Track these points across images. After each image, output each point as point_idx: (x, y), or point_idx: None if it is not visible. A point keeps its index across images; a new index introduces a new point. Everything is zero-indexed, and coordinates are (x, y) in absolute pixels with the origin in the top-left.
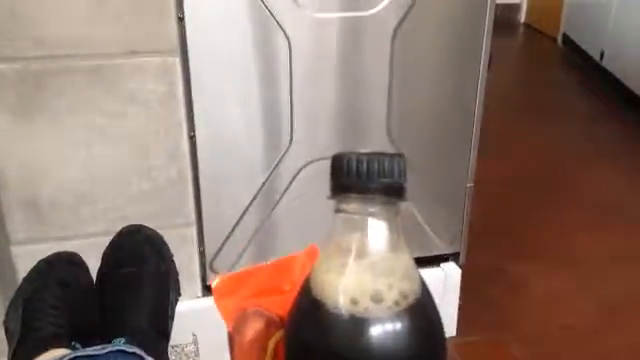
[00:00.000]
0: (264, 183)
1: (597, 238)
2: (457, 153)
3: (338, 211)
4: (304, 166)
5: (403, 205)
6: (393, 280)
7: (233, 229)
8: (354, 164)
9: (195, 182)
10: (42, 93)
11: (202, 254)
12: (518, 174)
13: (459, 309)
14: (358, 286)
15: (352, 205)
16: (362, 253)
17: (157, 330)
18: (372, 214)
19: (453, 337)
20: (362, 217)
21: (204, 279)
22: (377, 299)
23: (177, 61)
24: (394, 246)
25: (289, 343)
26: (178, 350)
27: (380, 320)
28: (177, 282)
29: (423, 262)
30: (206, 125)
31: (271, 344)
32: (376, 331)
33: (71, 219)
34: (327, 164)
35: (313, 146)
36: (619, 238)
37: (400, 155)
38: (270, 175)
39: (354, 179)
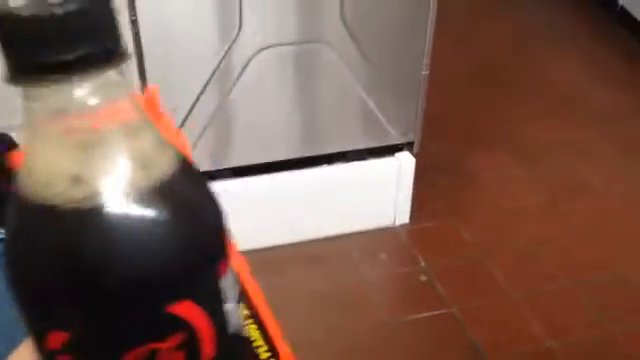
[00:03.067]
0: (214, 71)
1: (551, 129)
2: (412, 39)
3: (29, 100)
4: (257, 52)
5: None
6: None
7: (184, 120)
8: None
9: (140, 69)
10: None
11: None
12: (476, 63)
13: (412, 197)
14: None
15: (46, 90)
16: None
17: None
18: (79, 99)
19: (406, 223)
20: (67, 103)
21: None
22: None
23: None
24: (133, 125)
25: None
26: None
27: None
28: None
29: (378, 152)
30: (148, 8)
31: None
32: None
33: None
34: (281, 50)
35: (265, 31)
36: (573, 129)
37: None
38: (221, 62)
39: (32, 53)
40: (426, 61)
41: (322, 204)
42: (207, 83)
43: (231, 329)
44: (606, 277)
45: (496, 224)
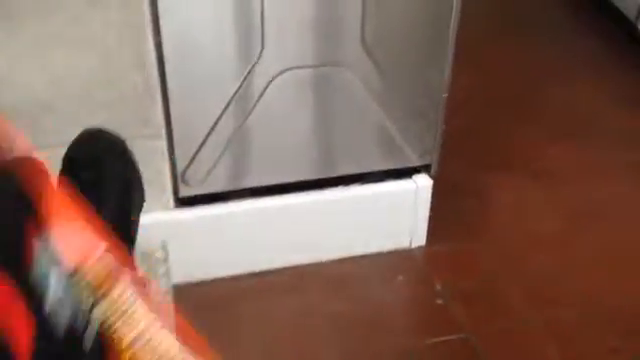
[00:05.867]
0: (236, 91)
1: (567, 151)
2: (432, 63)
3: None
4: (278, 74)
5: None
6: None
7: (205, 139)
8: None
9: (163, 90)
10: None
11: (173, 165)
12: (493, 86)
13: (429, 220)
14: None
15: None
16: None
17: (121, 234)
18: None
19: (423, 246)
20: None
21: (175, 191)
22: None
23: None
24: None
25: None
26: (147, 256)
27: None
28: (141, 187)
29: (395, 174)
30: (173, 30)
31: None
32: None
33: (33, 129)
34: (301, 73)
35: (286, 54)
36: (589, 151)
37: None
38: (242, 83)
39: None
40: (445, 84)
41: (339, 225)
42: (228, 104)
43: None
44: (626, 305)
45: (513, 248)
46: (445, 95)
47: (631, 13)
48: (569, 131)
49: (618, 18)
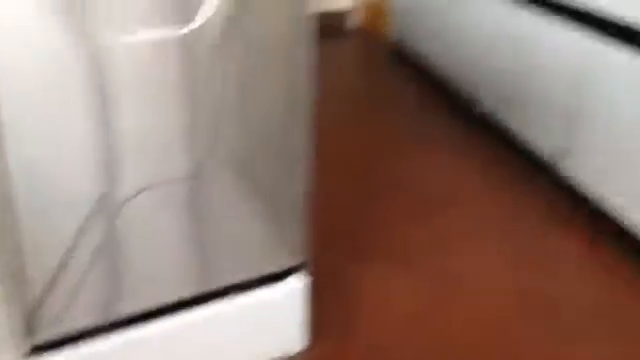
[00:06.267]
0: (90, 215)
1: (428, 225)
2: (292, 166)
3: None
4: (137, 192)
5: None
6: None
7: (58, 272)
8: None
9: (14, 220)
10: None
11: (20, 310)
12: (350, 174)
13: (308, 321)
14: None
15: None
16: None
17: None
18: None
19: (304, 349)
20: None
21: (25, 339)
22: None
23: None
24: None
25: None
26: None
27: None
28: None
29: (271, 278)
30: (18, 156)
31: None
32: None
33: None
34: (162, 188)
35: (144, 174)
36: (450, 225)
37: None
38: (98, 205)
39: None
40: (307, 184)
41: (215, 343)
42: (83, 230)
43: None
44: None
45: (386, 338)
46: (308, 198)
47: (466, 93)
48: (425, 205)
49: (461, 100)
